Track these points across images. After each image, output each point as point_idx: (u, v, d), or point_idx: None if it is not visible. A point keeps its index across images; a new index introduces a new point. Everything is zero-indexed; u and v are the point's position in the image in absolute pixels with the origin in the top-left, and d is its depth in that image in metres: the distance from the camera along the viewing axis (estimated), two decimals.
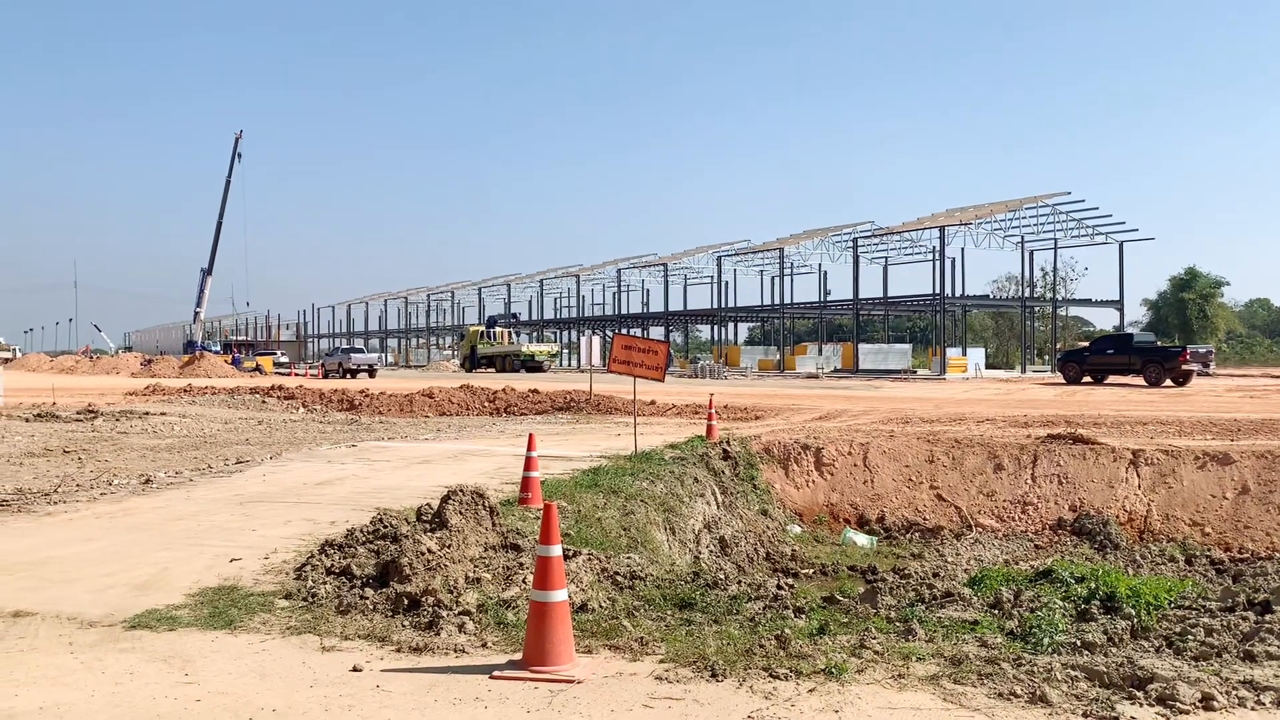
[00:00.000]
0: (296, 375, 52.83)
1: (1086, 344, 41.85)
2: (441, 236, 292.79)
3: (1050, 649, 5.38)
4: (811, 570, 11.15)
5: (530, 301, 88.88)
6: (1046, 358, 57.37)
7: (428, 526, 6.83)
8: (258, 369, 63.39)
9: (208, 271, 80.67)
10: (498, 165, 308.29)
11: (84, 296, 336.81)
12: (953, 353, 48.55)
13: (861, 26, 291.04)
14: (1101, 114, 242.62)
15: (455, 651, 4.88)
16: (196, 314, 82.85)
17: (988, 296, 61.53)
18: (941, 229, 49.15)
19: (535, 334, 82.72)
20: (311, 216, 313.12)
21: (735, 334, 73.54)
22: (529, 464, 9.06)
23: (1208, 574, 10.85)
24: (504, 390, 25.84)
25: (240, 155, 77.90)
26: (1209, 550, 11.97)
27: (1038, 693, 4.29)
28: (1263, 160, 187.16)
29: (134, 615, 5.39)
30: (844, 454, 14.73)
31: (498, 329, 62.56)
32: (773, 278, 65.48)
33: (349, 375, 47.99)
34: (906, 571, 9.86)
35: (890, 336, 69.48)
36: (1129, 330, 51.51)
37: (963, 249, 57.17)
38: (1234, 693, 4.37)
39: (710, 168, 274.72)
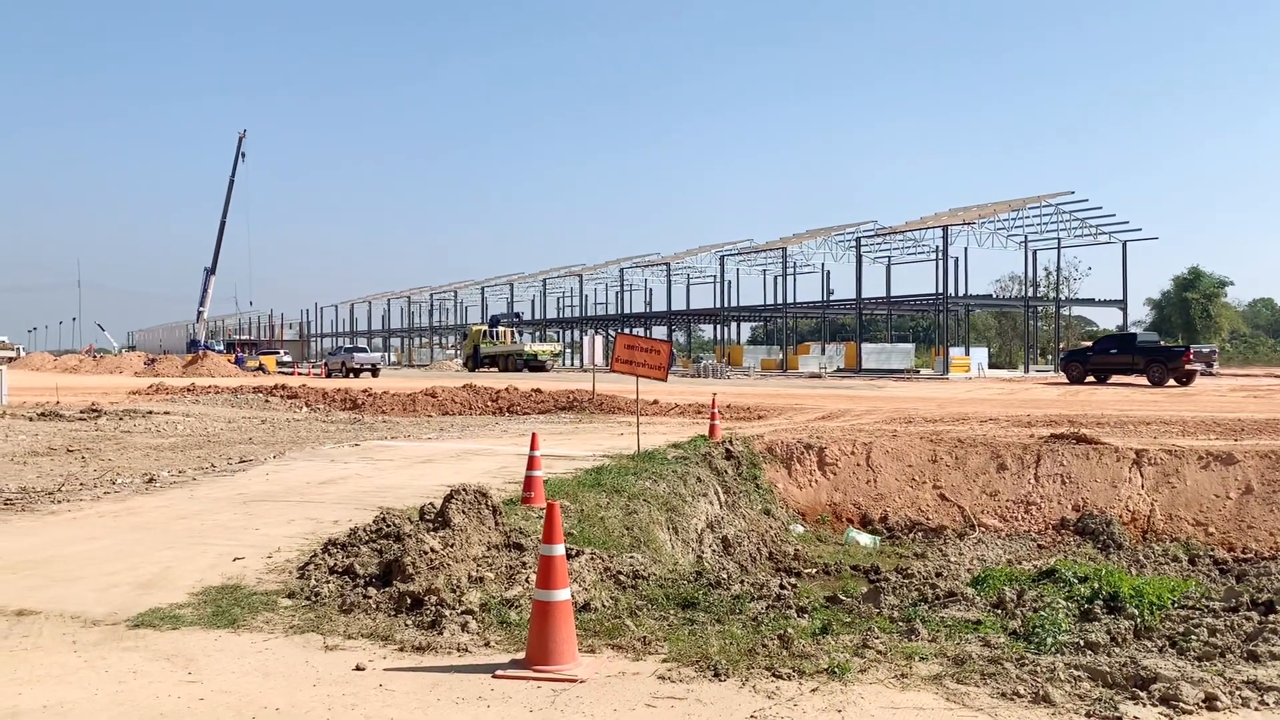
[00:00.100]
0: (300, 374, 52.82)
1: (1090, 344, 41.73)
2: (444, 236, 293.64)
3: (1053, 649, 5.36)
4: (814, 570, 11.15)
5: (533, 301, 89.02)
6: (1050, 357, 57.26)
7: (431, 526, 6.83)
8: (261, 368, 63.46)
9: (211, 271, 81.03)
10: (501, 165, 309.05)
11: (87, 296, 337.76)
12: (956, 352, 48.46)
13: (864, 26, 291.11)
14: (1105, 113, 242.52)
15: (458, 651, 4.88)
16: (200, 313, 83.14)
17: (991, 296, 61.55)
18: (944, 228, 49.15)
19: (538, 333, 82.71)
20: (315, 216, 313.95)
21: (738, 333, 73.65)
22: (532, 463, 9.05)
23: (1211, 574, 10.83)
24: (507, 389, 25.84)
25: (244, 155, 78.45)
26: (1212, 550, 11.95)
27: (1041, 693, 4.29)
28: (1266, 160, 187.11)
29: (137, 614, 5.40)
30: (847, 453, 14.72)
31: (501, 328, 62.59)
32: (775, 277, 65.56)
33: (352, 374, 47.96)
34: (909, 571, 9.83)
35: (893, 336, 69.40)
36: (1132, 330, 51.58)
37: (966, 249, 57.16)
38: (1237, 693, 4.36)
39: (713, 167, 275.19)
